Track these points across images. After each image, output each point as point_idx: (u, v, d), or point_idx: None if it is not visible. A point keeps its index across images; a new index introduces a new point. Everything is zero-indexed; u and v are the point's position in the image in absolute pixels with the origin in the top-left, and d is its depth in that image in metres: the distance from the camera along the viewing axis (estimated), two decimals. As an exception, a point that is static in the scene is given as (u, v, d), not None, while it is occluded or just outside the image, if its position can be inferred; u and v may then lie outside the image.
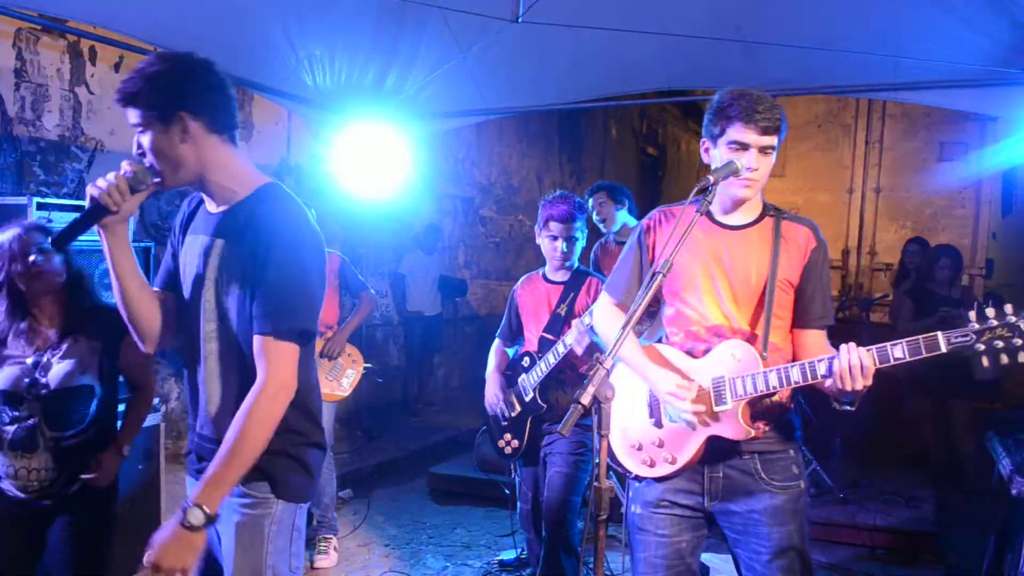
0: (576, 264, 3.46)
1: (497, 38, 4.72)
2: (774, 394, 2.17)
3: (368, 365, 4.59)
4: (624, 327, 2.02)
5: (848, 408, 2.11)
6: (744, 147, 2.17)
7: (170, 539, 1.80)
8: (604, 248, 5.13)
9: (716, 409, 2.17)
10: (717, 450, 2.22)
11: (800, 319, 2.27)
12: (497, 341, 3.67)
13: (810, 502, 2.37)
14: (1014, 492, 3.26)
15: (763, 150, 2.19)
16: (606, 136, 12.93)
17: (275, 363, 1.86)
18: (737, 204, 2.27)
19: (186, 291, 2.02)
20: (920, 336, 1.92)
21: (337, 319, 4.49)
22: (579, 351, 3.14)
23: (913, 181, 13.82)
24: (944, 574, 4.37)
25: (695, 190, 2.14)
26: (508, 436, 3.50)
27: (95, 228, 1.89)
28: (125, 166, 1.89)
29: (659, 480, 2.30)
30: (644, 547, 2.33)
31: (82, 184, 4.88)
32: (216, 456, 1.85)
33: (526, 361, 3.44)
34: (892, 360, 1.98)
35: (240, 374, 1.94)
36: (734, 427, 2.16)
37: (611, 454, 2.40)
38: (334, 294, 4.47)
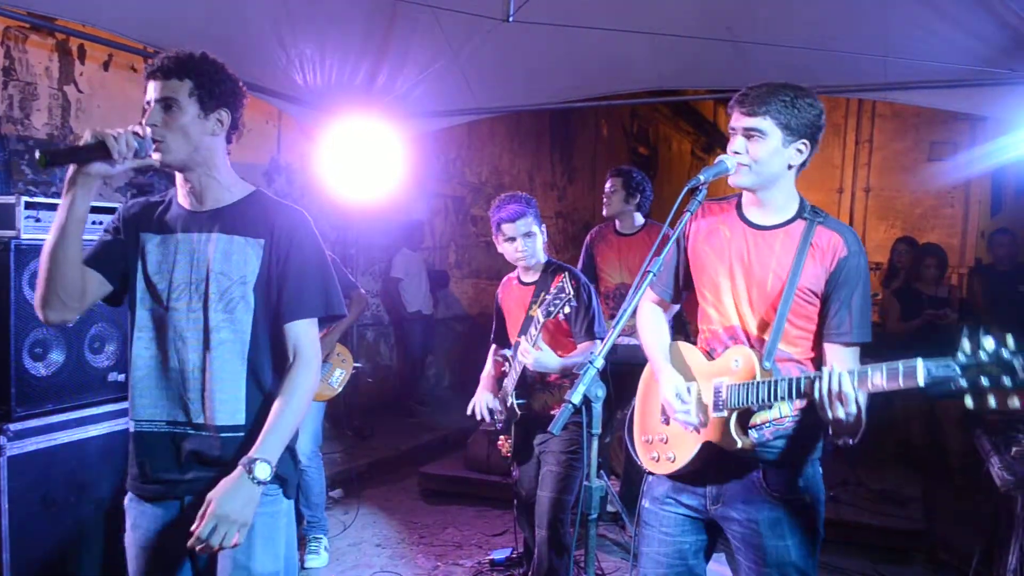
0: (542, 258, 3.39)
1: (488, 37, 4.72)
2: (769, 406, 2.10)
3: (357, 364, 4.57)
4: (615, 326, 2.03)
5: (849, 442, 2.00)
6: (734, 132, 2.15)
7: (236, 493, 1.89)
8: (601, 234, 4.96)
9: (712, 416, 2.13)
10: (716, 456, 2.16)
11: (822, 332, 2.14)
12: (493, 346, 3.67)
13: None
14: (1003, 490, 3.28)
15: (747, 133, 2.12)
16: (597, 135, 12.94)
17: (311, 340, 2.10)
18: (752, 198, 2.20)
19: (161, 284, 2.05)
20: (901, 363, 1.75)
21: (328, 319, 4.46)
22: (528, 365, 3.17)
23: (903, 181, 13.92)
24: (934, 571, 4.40)
25: (685, 189, 2.13)
26: (502, 438, 3.56)
27: (74, 176, 1.88)
28: (139, 128, 1.92)
29: (668, 477, 2.29)
30: (648, 542, 2.32)
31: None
32: (273, 421, 1.99)
33: (507, 365, 3.45)
34: (870, 386, 1.82)
35: (252, 358, 2.06)
36: (725, 437, 2.10)
37: (629, 444, 2.43)
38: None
